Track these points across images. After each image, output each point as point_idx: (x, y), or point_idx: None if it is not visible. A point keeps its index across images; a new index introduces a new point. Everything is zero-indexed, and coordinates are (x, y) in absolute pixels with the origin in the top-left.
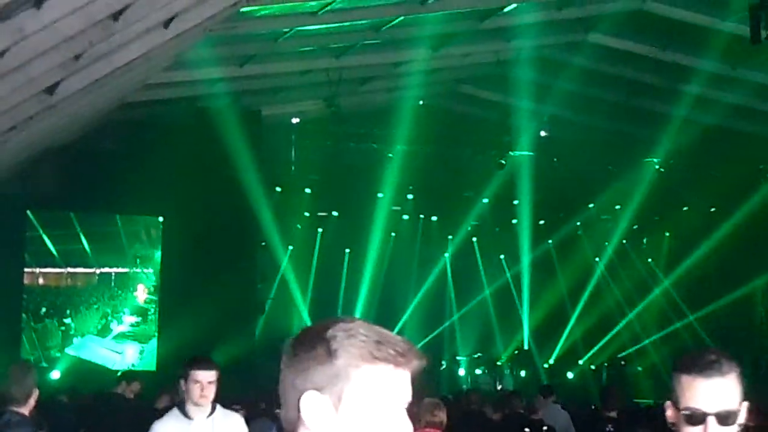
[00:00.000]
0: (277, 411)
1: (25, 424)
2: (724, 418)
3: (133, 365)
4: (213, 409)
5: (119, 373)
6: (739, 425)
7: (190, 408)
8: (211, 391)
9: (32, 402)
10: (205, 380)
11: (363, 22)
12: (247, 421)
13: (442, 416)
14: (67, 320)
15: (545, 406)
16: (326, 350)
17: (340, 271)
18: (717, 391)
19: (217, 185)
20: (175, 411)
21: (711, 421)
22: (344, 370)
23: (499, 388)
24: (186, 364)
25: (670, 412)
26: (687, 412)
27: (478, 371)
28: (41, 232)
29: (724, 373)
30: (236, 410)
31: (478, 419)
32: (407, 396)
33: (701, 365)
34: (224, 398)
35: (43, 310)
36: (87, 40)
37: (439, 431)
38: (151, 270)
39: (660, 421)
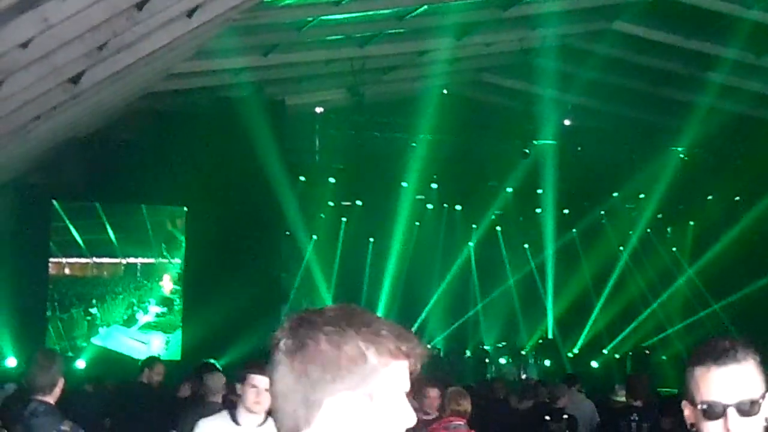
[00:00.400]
0: None
1: (50, 413)
2: (746, 409)
3: (158, 355)
4: (266, 418)
5: (140, 362)
6: (766, 419)
7: (242, 413)
8: (267, 399)
9: (58, 391)
10: (262, 386)
11: (386, 11)
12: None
13: (466, 405)
14: (93, 310)
15: (569, 394)
16: (357, 350)
17: (364, 261)
18: (734, 380)
19: (241, 175)
20: (225, 413)
21: (731, 412)
22: (375, 368)
23: (523, 377)
24: (244, 366)
25: (687, 412)
26: (704, 406)
27: (502, 360)
28: (67, 222)
29: (739, 360)
30: None
31: (502, 408)
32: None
33: (714, 354)
34: None
35: (69, 300)
36: (111, 30)
37: (463, 420)
38: (177, 260)
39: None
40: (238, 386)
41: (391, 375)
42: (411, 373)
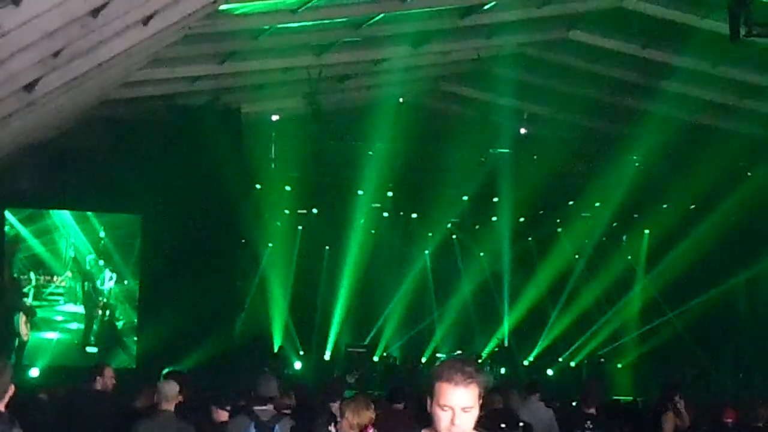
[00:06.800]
0: (256, 408)
1: (1, 421)
2: None
3: (113, 363)
4: None
5: (91, 368)
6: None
7: None
8: None
9: (7, 398)
10: None
11: (343, 19)
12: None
13: (368, 414)
14: (48, 317)
15: (528, 402)
16: None
17: (320, 269)
18: None
19: (196, 183)
20: None
21: None
22: None
23: None
24: None
25: None
26: None
27: None
28: (20, 230)
29: None
30: (226, 410)
31: None
32: None
33: None
34: (203, 397)
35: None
36: (66, 37)
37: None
38: (130, 268)
39: (639, 418)
40: None
41: None
42: None
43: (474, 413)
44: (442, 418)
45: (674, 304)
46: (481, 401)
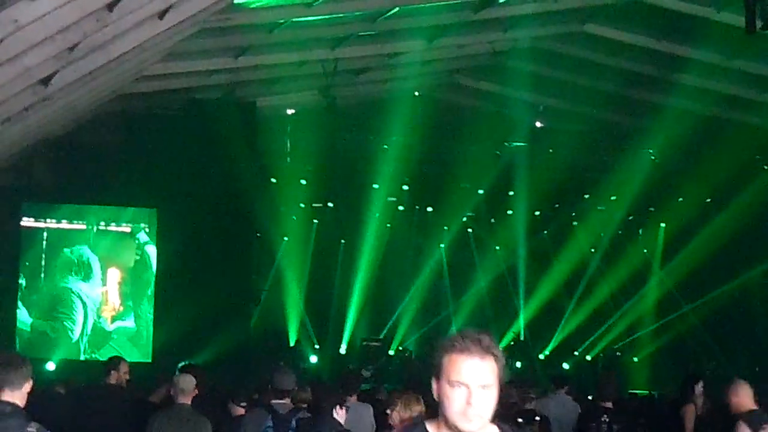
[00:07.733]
0: (273, 401)
1: (17, 415)
2: None
3: (129, 357)
4: None
5: (105, 362)
6: None
7: None
8: None
9: (25, 393)
10: None
11: (358, 13)
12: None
13: (419, 409)
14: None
15: (556, 396)
16: None
17: (335, 262)
18: None
19: (212, 177)
20: None
21: None
22: None
23: None
24: None
25: None
26: None
27: None
28: (37, 224)
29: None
30: (242, 406)
31: None
32: None
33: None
34: (219, 390)
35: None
36: (82, 31)
37: None
38: (146, 262)
39: (655, 412)
40: None
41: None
42: None
43: (493, 395)
44: (456, 398)
45: (690, 297)
46: (500, 385)
